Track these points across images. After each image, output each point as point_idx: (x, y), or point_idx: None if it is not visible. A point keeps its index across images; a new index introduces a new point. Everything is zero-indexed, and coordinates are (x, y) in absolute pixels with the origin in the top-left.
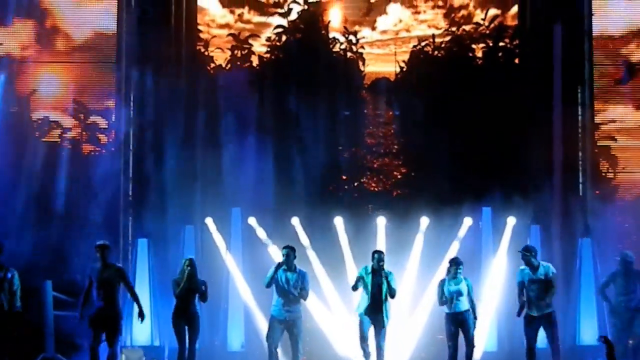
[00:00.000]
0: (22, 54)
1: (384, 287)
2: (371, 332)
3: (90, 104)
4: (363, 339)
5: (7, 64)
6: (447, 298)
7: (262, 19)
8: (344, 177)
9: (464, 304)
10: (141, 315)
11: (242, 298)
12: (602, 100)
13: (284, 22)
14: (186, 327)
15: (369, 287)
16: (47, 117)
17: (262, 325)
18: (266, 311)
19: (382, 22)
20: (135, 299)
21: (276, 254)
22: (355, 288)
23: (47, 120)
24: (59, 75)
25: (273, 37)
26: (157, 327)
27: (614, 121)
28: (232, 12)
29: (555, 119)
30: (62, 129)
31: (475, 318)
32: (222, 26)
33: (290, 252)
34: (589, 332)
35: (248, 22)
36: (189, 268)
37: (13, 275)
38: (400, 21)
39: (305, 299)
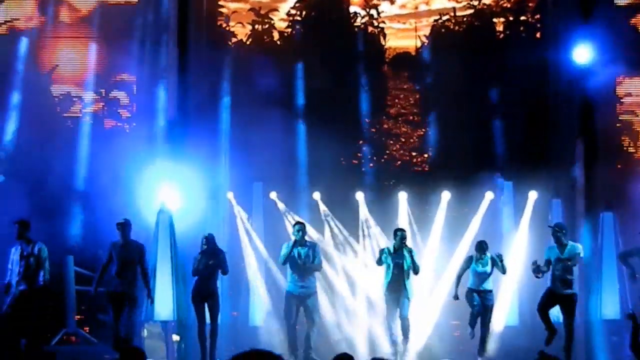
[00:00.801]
0: (37, 27)
1: (406, 265)
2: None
3: (110, 79)
4: (389, 327)
5: (29, 38)
6: (473, 276)
7: None
8: (366, 152)
9: (489, 284)
10: (150, 297)
11: (264, 273)
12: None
13: None
14: (206, 304)
15: (391, 267)
16: (68, 93)
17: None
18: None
19: None
20: (147, 280)
21: None
22: (380, 262)
23: (69, 96)
24: (78, 49)
25: (294, 12)
26: (179, 302)
27: (629, 94)
28: None
29: (577, 92)
30: (83, 103)
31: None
32: (237, 0)
33: (302, 228)
34: (611, 307)
35: None
36: (205, 246)
37: (41, 248)
38: None
39: (318, 270)
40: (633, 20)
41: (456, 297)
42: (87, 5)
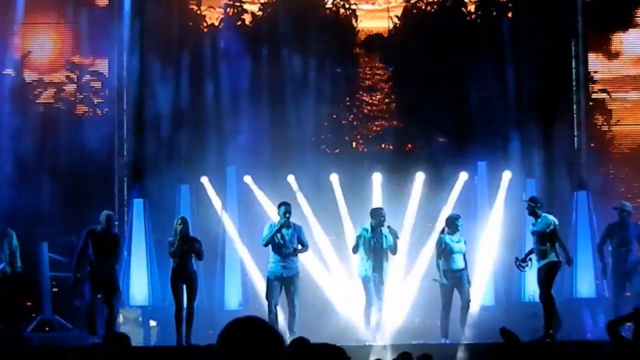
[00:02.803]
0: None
1: (386, 244)
2: None
3: (83, 63)
4: (369, 304)
5: None
6: (444, 255)
7: None
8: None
9: (460, 263)
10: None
11: (239, 256)
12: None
13: None
14: (184, 287)
15: (370, 246)
16: (41, 79)
17: (260, 283)
18: (263, 269)
19: None
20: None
21: (272, 212)
22: (356, 249)
23: (42, 82)
24: (50, 35)
25: None
26: (154, 287)
27: (595, 72)
28: None
29: (549, 72)
30: (56, 88)
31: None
32: None
33: (289, 209)
34: (585, 285)
35: None
36: (180, 226)
37: (12, 236)
38: None
39: (305, 252)
40: None
41: (444, 283)
42: None
